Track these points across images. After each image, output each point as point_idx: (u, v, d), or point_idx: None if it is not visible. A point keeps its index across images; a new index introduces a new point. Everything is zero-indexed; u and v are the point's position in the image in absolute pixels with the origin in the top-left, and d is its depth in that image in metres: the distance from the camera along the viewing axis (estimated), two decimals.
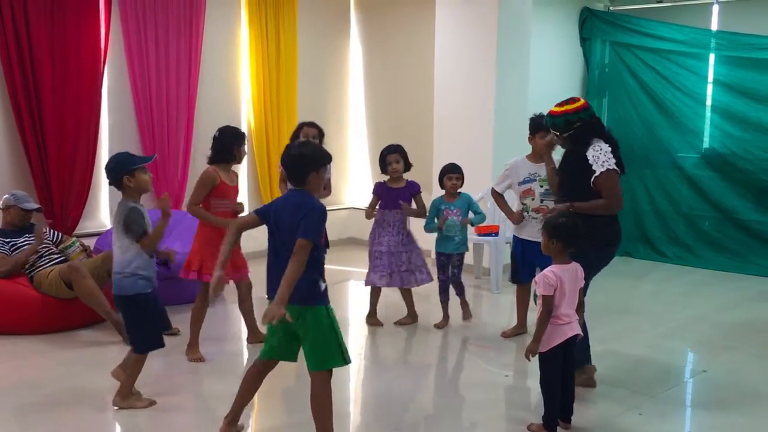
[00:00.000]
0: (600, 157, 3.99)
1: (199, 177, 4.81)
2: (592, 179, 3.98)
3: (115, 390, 4.03)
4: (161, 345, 4.08)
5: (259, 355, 3.50)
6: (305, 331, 3.30)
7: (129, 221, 3.86)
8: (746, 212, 7.89)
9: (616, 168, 4.01)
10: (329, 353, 3.31)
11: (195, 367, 4.73)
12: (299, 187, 3.36)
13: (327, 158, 3.45)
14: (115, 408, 3.99)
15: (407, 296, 5.65)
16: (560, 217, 3.78)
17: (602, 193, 4.00)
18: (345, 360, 3.34)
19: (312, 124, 5.65)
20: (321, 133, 5.67)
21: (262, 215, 3.37)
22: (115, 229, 3.95)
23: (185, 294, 5.95)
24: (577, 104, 4.12)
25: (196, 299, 4.85)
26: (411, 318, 5.68)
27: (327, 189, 5.55)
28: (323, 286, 3.33)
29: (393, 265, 5.43)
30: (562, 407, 3.76)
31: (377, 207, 5.48)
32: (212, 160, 4.82)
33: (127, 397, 4.01)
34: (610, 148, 4.04)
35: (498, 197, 5.42)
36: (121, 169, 3.94)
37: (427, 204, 5.57)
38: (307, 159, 3.36)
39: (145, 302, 3.96)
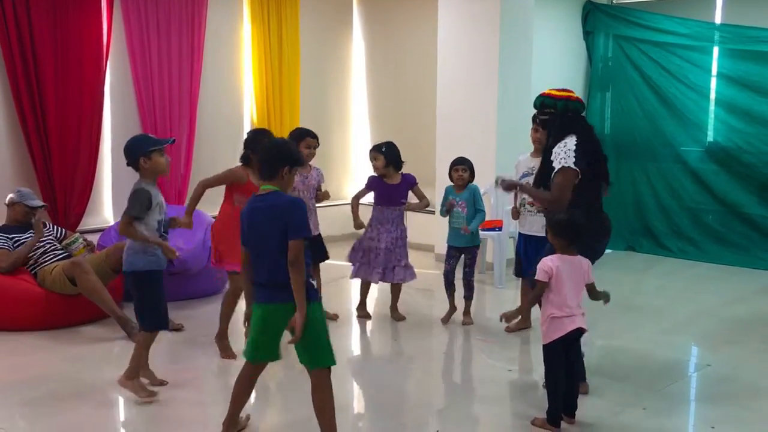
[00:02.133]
0: (560, 153, 3.92)
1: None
2: (552, 174, 3.95)
3: (118, 387, 4.03)
4: (167, 326, 4.20)
5: (248, 359, 3.44)
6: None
7: (130, 198, 3.92)
8: (750, 206, 7.87)
9: (573, 167, 3.88)
10: (323, 350, 3.31)
11: (200, 360, 4.74)
12: (268, 184, 3.31)
13: (302, 160, 3.46)
14: (120, 385, 4.00)
15: (395, 291, 5.67)
16: (562, 214, 3.77)
17: (552, 188, 3.95)
18: (332, 360, 3.35)
19: (313, 135, 5.51)
20: (318, 142, 5.59)
21: (244, 243, 3.36)
22: None
23: (188, 289, 5.97)
24: (563, 94, 4.08)
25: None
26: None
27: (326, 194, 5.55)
28: (314, 284, 3.35)
29: (388, 261, 5.45)
30: (566, 402, 3.76)
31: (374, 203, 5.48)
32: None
33: (133, 378, 4.00)
34: (575, 146, 3.92)
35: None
36: (137, 150, 3.99)
37: (433, 197, 5.57)
38: (285, 151, 3.36)
39: (155, 279, 4.01)
